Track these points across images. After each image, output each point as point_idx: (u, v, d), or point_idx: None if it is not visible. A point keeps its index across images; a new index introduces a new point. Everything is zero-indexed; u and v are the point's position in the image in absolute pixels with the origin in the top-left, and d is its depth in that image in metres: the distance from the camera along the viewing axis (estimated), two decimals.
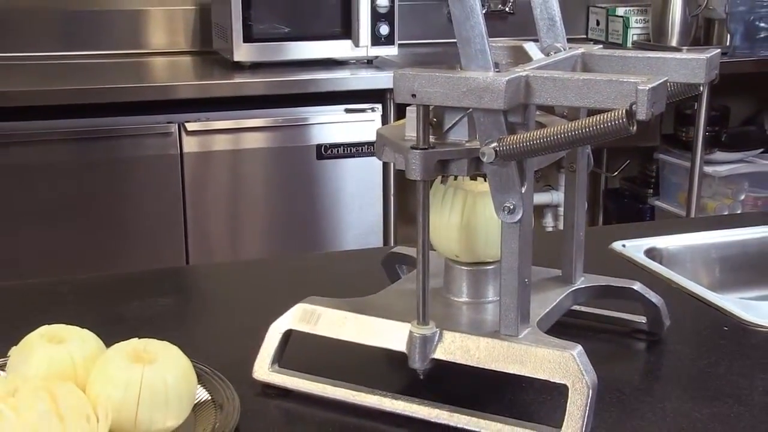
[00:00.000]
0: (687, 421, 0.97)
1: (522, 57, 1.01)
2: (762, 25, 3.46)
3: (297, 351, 1.04)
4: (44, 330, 0.96)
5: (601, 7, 3.74)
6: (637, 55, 1.05)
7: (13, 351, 0.96)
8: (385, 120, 3.01)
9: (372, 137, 3.17)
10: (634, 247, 1.46)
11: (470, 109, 0.91)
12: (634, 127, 0.81)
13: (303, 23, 3.09)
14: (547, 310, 1.03)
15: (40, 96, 2.74)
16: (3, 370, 0.99)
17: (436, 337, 0.96)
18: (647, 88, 0.82)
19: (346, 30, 3.10)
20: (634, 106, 0.82)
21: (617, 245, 1.47)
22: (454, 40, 0.90)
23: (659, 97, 0.84)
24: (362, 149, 3.00)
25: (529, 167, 0.93)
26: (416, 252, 0.95)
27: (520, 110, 0.90)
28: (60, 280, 1.41)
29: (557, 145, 0.86)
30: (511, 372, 0.93)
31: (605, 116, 0.82)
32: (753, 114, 4.00)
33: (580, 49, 1.05)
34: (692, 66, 1.01)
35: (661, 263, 1.43)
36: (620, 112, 0.81)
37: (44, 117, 2.73)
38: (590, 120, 0.83)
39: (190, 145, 2.87)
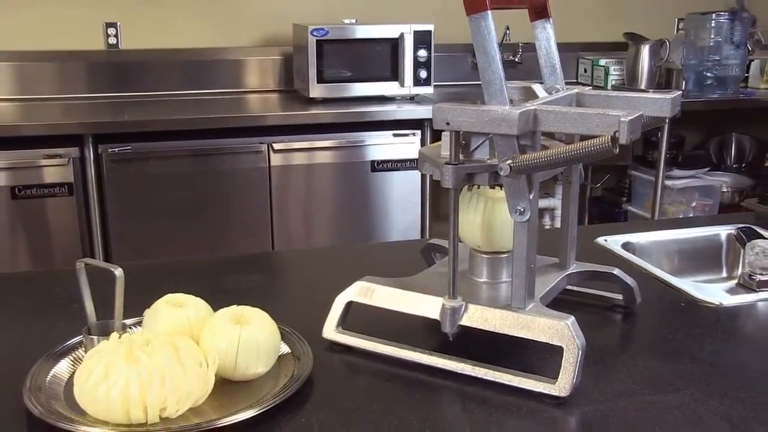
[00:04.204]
0: (653, 374, 0.96)
1: (530, 95, 1.00)
2: (708, 74, 3.45)
3: (356, 317, 1.04)
4: (168, 297, 0.97)
5: (588, 59, 3.72)
6: (619, 94, 1.03)
7: (146, 313, 0.97)
8: (423, 142, 3.01)
9: (413, 155, 3.19)
10: (613, 242, 1.45)
11: (491, 134, 0.90)
12: (617, 150, 0.80)
13: (361, 69, 3.09)
14: (548, 288, 1.02)
15: (168, 123, 2.77)
16: (139, 326, 1.00)
17: (463, 309, 0.95)
18: (627, 119, 0.81)
19: (394, 74, 3.10)
20: (617, 133, 0.81)
21: (600, 240, 1.46)
22: (477, 82, 0.89)
23: (636, 127, 0.83)
24: (406, 164, 3.00)
25: (536, 179, 0.91)
26: (448, 243, 0.95)
27: (529, 135, 0.89)
28: (180, 261, 1.42)
29: (558, 162, 0.85)
30: (520, 336, 0.92)
31: (595, 141, 0.81)
32: (702, 141, 3.98)
33: (575, 90, 1.04)
34: (660, 104, 1.00)
35: (634, 254, 1.41)
36: (606, 138, 0.80)
37: (170, 138, 2.76)
38: (583, 144, 0.82)
39: (276, 160, 2.89)
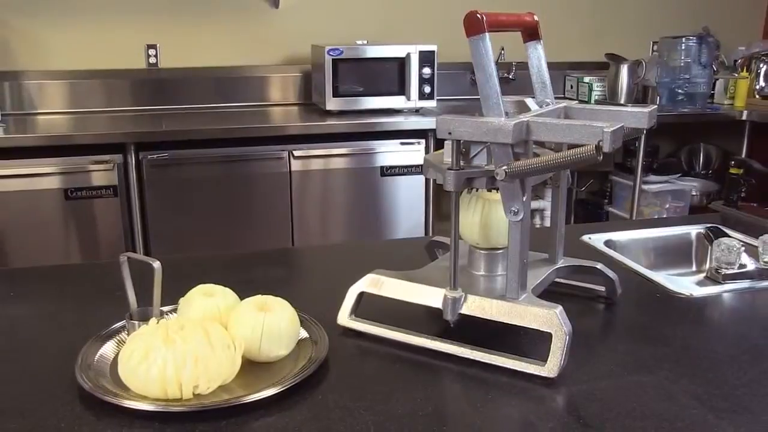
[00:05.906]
0: (631, 358, 0.95)
1: (524, 108, 1.00)
2: (680, 91, 3.45)
3: (367, 306, 1.03)
4: (201, 287, 0.97)
5: (574, 77, 3.72)
6: (602, 108, 1.03)
7: (181, 301, 0.97)
8: (427, 150, 3.01)
9: (418, 162, 3.18)
10: (596, 239, 1.44)
11: (488, 143, 0.90)
12: (601, 157, 0.80)
13: (372, 84, 3.09)
14: (538, 281, 1.02)
15: (201, 132, 2.77)
16: (175, 313, 1.00)
17: (462, 299, 0.94)
18: (610, 130, 0.81)
19: (401, 89, 3.09)
20: (601, 142, 0.80)
21: (585, 238, 1.45)
22: (476, 97, 0.89)
23: (618, 137, 0.83)
24: (411, 170, 3.00)
25: (529, 183, 0.91)
26: (449, 240, 0.94)
27: (523, 144, 0.89)
28: (211, 255, 1.42)
29: (548, 168, 0.84)
30: (513, 323, 0.92)
31: (581, 149, 0.80)
32: (674, 150, 3.97)
33: (563, 104, 1.03)
34: (639, 116, 0.99)
35: (615, 250, 1.40)
36: (591, 147, 0.79)
37: (203, 146, 2.77)
38: (570, 152, 0.81)
39: (296, 166, 2.89)
